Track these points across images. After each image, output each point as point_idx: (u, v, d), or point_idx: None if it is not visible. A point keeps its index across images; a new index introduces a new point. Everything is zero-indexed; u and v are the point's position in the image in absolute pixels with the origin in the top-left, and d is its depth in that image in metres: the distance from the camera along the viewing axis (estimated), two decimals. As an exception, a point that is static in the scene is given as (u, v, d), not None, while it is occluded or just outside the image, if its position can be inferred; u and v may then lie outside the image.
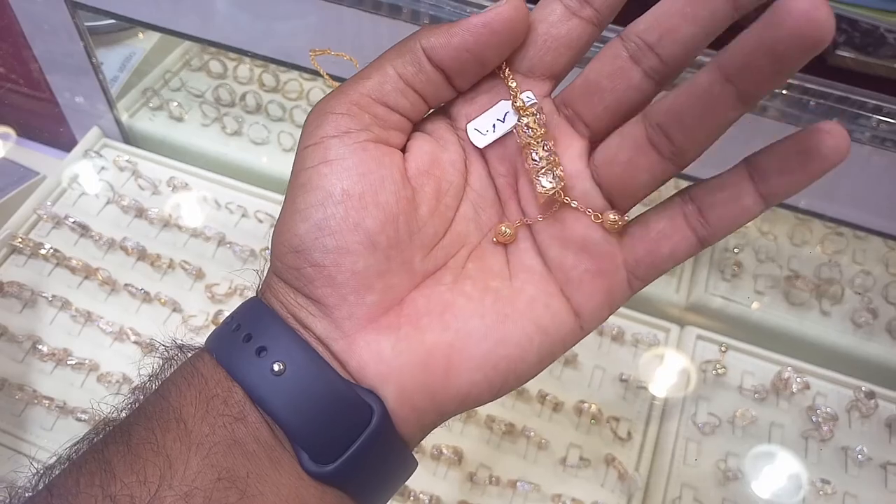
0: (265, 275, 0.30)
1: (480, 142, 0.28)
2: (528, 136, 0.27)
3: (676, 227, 0.27)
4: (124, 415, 0.27)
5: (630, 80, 0.26)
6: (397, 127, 0.28)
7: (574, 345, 0.29)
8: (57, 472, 0.26)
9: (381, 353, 0.27)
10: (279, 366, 0.26)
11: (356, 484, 0.27)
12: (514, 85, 0.28)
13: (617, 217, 0.27)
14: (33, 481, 0.26)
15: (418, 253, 0.28)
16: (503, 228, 0.29)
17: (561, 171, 0.27)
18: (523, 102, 0.27)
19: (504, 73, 0.28)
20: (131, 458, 0.25)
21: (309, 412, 0.26)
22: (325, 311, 0.27)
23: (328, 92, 0.28)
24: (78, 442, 0.27)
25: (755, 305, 0.68)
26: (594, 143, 0.28)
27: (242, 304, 0.29)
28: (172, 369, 0.28)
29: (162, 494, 0.24)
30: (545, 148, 0.27)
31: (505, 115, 0.28)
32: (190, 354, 0.29)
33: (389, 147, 0.28)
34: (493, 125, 0.28)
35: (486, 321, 0.28)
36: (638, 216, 0.28)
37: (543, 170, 0.27)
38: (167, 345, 0.30)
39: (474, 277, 0.29)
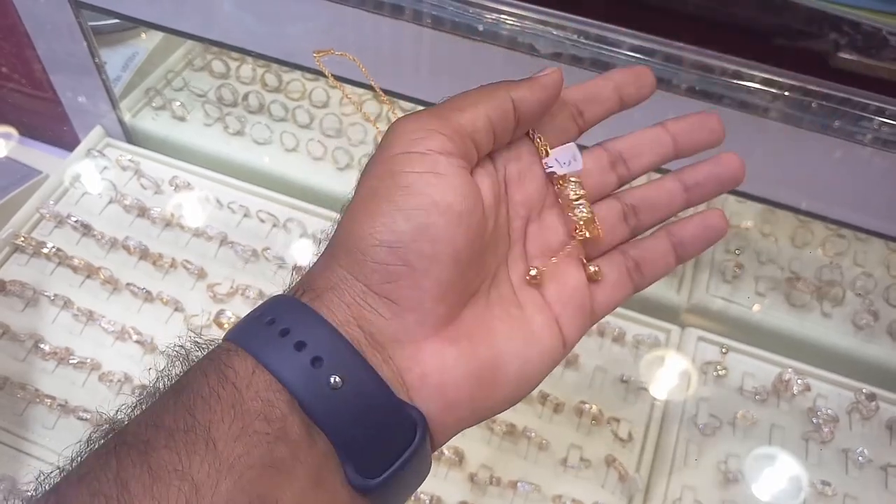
0: (314, 273, 0.29)
1: (560, 171, 0.33)
2: (577, 198, 0.34)
3: (623, 279, 0.35)
4: (136, 423, 0.25)
5: (608, 177, 0.35)
6: (473, 161, 0.31)
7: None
8: (67, 491, 0.24)
9: (445, 363, 0.29)
10: (336, 379, 0.26)
11: (390, 494, 0.28)
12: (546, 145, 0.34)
13: (597, 269, 0.34)
14: (39, 491, 0.25)
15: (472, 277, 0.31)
16: (534, 271, 0.33)
17: (598, 227, 0.34)
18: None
19: (536, 139, 0.34)
20: (152, 483, 0.23)
21: (362, 429, 0.26)
22: (399, 314, 0.28)
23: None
24: (83, 447, 0.26)
25: (756, 308, 0.68)
26: None
27: (281, 303, 0.28)
28: (193, 375, 0.27)
29: None
30: (587, 207, 0.33)
31: (573, 154, 0.34)
32: (212, 357, 0.27)
33: (475, 180, 0.30)
34: (570, 160, 0.33)
35: (516, 343, 0.31)
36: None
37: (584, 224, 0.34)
38: (185, 345, 0.28)
39: (499, 304, 0.32)
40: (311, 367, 0.26)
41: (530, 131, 0.34)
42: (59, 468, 0.25)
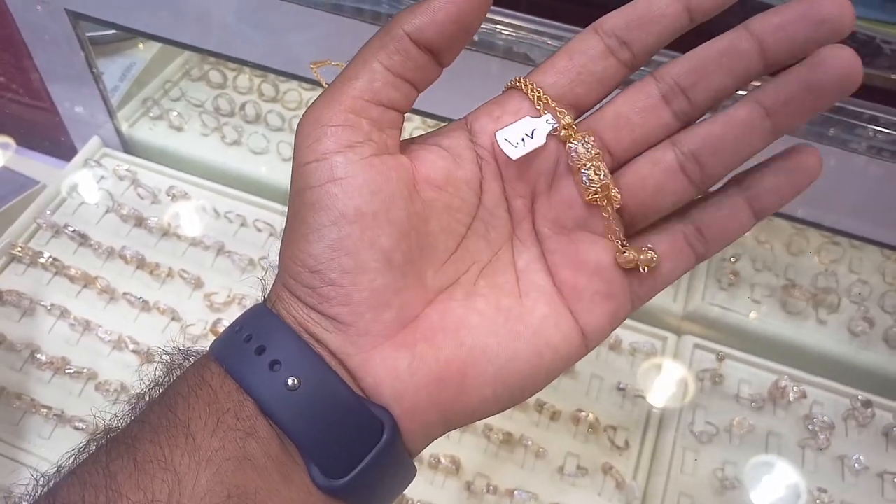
0: (274, 284, 0.29)
1: (514, 153, 0.28)
2: (583, 158, 0.28)
3: (678, 248, 0.29)
4: (126, 423, 0.27)
5: (660, 118, 0.27)
6: (393, 124, 0.27)
7: (578, 361, 0.30)
8: (59, 483, 0.25)
9: (397, 371, 0.27)
10: (293, 381, 0.26)
11: (363, 496, 0.27)
12: (545, 107, 0.28)
13: (633, 255, 0.28)
14: (34, 492, 0.26)
15: (430, 268, 0.28)
16: (630, 255, 0.28)
17: (616, 192, 0.28)
18: (572, 133, 0.28)
19: (532, 92, 0.28)
20: (138, 474, 0.24)
21: (322, 428, 0.26)
22: (340, 328, 0.27)
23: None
24: (79, 451, 0.27)
25: (753, 315, 0.68)
26: (612, 169, 0.28)
27: (250, 312, 0.29)
28: (176, 377, 0.28)
29: None
30: (597, 170, 0.27)
31: (533, 131, 0.28)
32: (194, 362, 0.28)
33: (393, 158, 0.27)
34: (523, 139, 0.28)
35: (498, 338, 0.28)
36: (639, 238, 0.29)
37: (597, 191, 0.28)
38: (171, 352, 0.29)
39: (486, 295, 0.29)
40: (269, 370, 0.26)
41: (520, 83, 0.28)
42: (57, 467, 0.26)
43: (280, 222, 0.72)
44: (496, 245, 0.30)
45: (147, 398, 0.28)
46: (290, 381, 0.26)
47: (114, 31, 0.76)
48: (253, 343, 0.27)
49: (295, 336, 0.27)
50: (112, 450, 0.25)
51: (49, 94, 0.78)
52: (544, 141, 0.28)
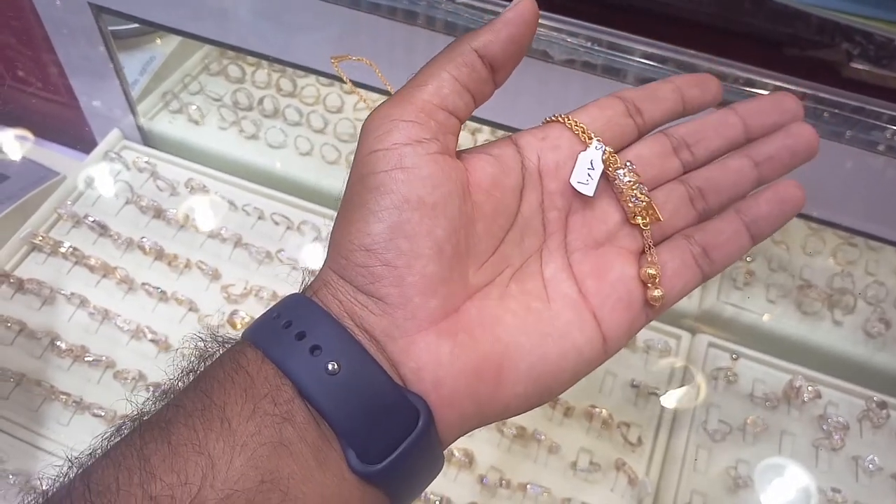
0: (318, 274, 0.30)
1: (588, 190, 0.31)
2: (631, 181, 0.32)
3: (688, 266, 0.33)
4: (159, 407, 0.27)
5: (671, 164, 0.33)
6: (454, 131, 0.30)
7: (599, 366, 0.32)
8: (93, 465, 0.26)
9: (440, 357, 0.28)
10: (334, 365, 0.26)
11: (396, 483, 0.28)
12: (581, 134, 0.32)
13: (660, 295, 0.32)
14: (68, 472, 0.26)
15: (472, 266, 0.30)
16: (649, 271, 0.32)
17: (658, 210, 0.32)
18: (616, 159, 0.32)
19: (574, 125, 0.32)
20: (172, 457, 0.25)
21: (361, 413, 0.27)
22: (388, 311, 0.28)
23: (370, 99, 0.29)
24: (112, 434, 0.27)
25: (766, 317, 0.68)
26: None
27: (287, 300, 0.29)
28: (211, 363, 0.28)
29: (203, 496, 0.24)
30: (642, 192, 0.32)
31: (591, 161, 0.32)
32: (228, 348, 0.28)
33: (455, 161, 0.29)
34: (589, 174, 0.31)
35: (530, 338, 0.30)
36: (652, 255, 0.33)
37: (641, 210, 0.32)
38: (205, 339, 0.30)
39: (517, 297, 0.31)
40: (309, 355, 0.27)
41: (562, 118, 0.32)
42: (91, 449, 0.27)
43: (297, 216, 0.73)
44: (527, 253, 0.32)
45: (181, 384, 0.28)
46: (330, 366, 0.26)
47: (134, 26, 0.77)
48: (293, 329, 0.27)
49: (335, 322, 0.28)
50: (146, 433, 0.26)
51: (70, 88, 0.78)
52: (603, 165, 0.32)
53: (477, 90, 0.30)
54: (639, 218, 0.32)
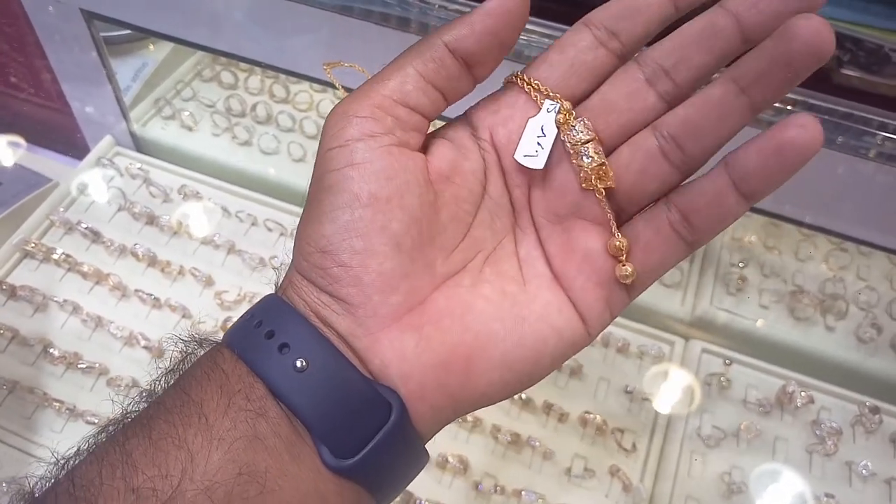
0: (287, 272, 0.30)
1: (537, 163, 0.28)
2: (583, 138, 0.28)
3: (664, 236, 0.28)
4: (141, 407, 0.28)
5: (645, 101, 0.28)
6: (417, 128, 0.28)
7: (583, 348, 0.30)
8: (78, 463, 0.26)
9: (404, 352, 0.28)
10: (302, 362, 0.27)
11: (373, 477, 0.28)
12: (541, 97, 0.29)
13: (630, 271, 0.28)
14: (53, 472, 0.27)
15: (439, 255, 0.29)
16: (615, 243, 0.28)
17: (612, 174, 0.28)
18: (572, 116, 0.28)
19: (529, 85, 0.29)
20: (153, 452, 0.25)
21: (330, 408, 0.27)
22: (349, 310, 0.28)
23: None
24: (97, 433, 0.27)
25: (760, 323, 0.68)
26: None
27: (262, 300, 0.29)
28: (190, 363, 0.29)
29: (184, 488, 0.24)
30: (596, 150, 0.28)
31: (542, 128, 0.28)
32: (208, 349, 0.29)
33: (412, 151, 0.28)
34: (539, 143, 0.28)
35: (504, 323, 0.28)
36: (626, 227, 0.29)
37: (595, 172, 0.28)
38: (185, 339, 0.30)
39: (491, 281, 0.29)
40: (278, 353, 0.27)
41: (517, 77, 0.29)
42: (76, 449, 0.27)
43: (290, 222, 0.72)
44: (500, 234, 0.30)
45: (163, 383, 0.29)
46: (298, 363, 0.27)
47: (126, 32, 0.77)
48: (263, 328, 0.28)
49: (303, 320, 0.28)
50: (128, 430, 0.26)
51: (62, 94, 0.78)
52: (556, 129, 0.28)
53: (448, 87, 0.28)
54: (597, 182, 0.28)
